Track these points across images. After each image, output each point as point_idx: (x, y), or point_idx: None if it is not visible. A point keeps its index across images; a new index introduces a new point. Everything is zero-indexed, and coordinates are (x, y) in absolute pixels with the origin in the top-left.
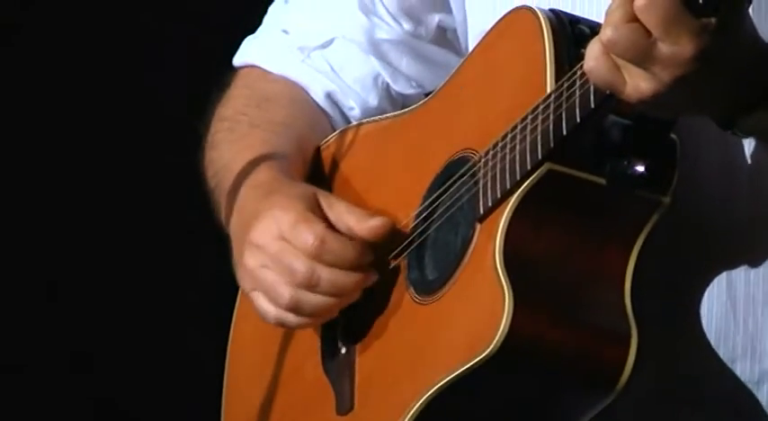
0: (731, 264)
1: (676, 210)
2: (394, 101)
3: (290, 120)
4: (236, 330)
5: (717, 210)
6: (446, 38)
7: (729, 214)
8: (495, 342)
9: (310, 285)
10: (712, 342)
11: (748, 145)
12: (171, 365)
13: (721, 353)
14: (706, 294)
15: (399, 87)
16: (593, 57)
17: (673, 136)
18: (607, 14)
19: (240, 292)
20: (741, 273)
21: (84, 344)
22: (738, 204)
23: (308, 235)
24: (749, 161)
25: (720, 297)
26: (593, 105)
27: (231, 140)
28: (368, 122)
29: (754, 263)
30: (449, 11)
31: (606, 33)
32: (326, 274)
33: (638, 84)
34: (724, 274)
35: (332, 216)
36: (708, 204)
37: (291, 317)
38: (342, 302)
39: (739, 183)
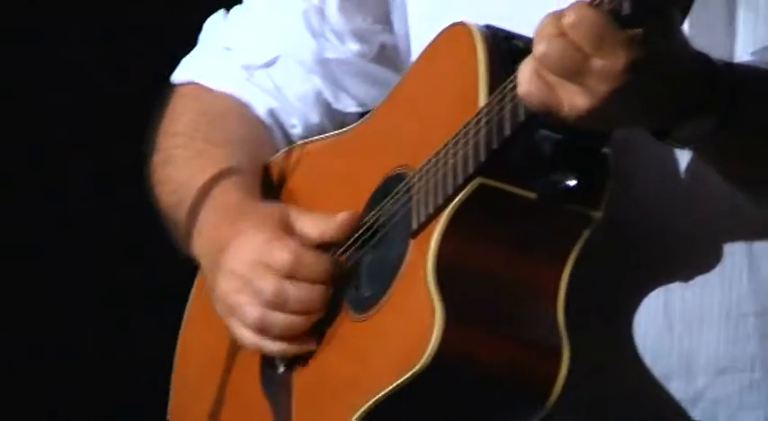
0: (668, 282)
1: (612, 226)
2: (334, 119)
3: (244, 136)
4: (181, 342)
5: (653, 227)
6: (385, 55)
7: (666, 232)
8: (426, 356)
9: (278, 304)
10: (648, 360)
11: (685, 161)
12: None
13: (656, 371)
14: (642, 312)
15: (341, 105)
16: (525, 80)
17: (606, 149)
18: (537, 30)
19: (189, 304)
20: (678, 291)
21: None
22: (675, 222)
23: (284, 253)
24: (686, 178)
25: (657, 315)
26: (522, 118)
27: (188, 157)
28: (312, 141)
29: (691, 281)
30: (392, 30)
31: (539, 48)
32: (294, 291)
33: (574, 101)
34: (661, 292)
35: (302, 227)
36: (644, 221)
37: (266, 343)
38: (309, 319)
39: (676, 200)
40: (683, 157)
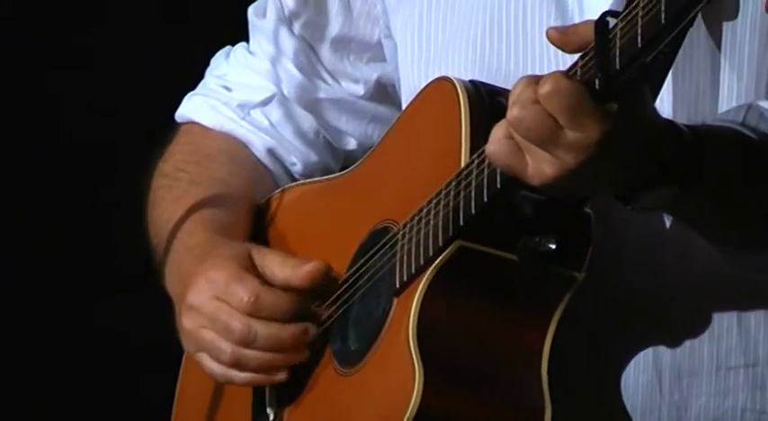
0: (657, 337)
1: (600, 283)
2: (336, 156)
3: (230, 176)
4: (180, 386)
5: (641, 283)
6: (387, 92)
7: (653, 288)
8: (405, 419)
9: (248, 341)
10: (638, 414)
11: (670, 219)
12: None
13: None
14: (632, 366)
15: (340, 144)
16: (496, 140)
17: (587, 210)
18: (513, 94)
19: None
20: (667, 347)
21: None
22: (662, 278)
23: (242, 292)
24: (671, 235)
25: (646, 369)
26: (499, 185)
27: (171, 199)
28: (305, 184)
29: (680, 334)
30: (387, 68)
31: (513, 112)
32: (263, 329)
33: (541, 167)
34: (650, 348)
35: (266, 270)
36: (632, 278)
37: (236, 374)
38: (286, 358)
39: (662, 257)
40: (670, 219)
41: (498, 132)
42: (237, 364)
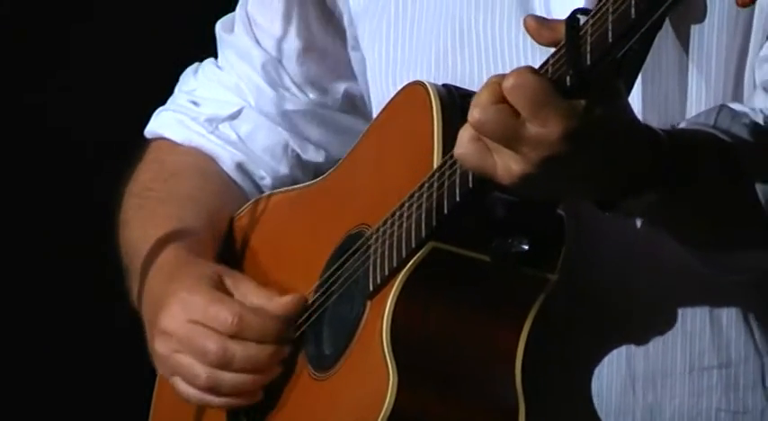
0: (630, 338)
1: (574, 285)
2: (305, 169)
3: (198, 192)
4: (155, 401)
5: (617, 287)
6: (355, 104)
7: (629, 291)
8: None
9: (224, 363)
10: (612, 417)
11: (648, 224)
12: None
13: None
14: (605, 369)
15: (309, 156)
16: (463, 143)
17: (560, 212)
18: (475, 96)
19: None
20: (640, 349)
21: None
22: (638, 281)
23: (226, 313)
24: (644, 236)
25: (620, 372)
26: (470, 185)
27: (140, 218)
28: (278, 193)
29: (654, 337)
30: (355, 79)
31: (474, 115)
32: (240, 351)
33: (508, 165)
34: (623, 349)
35: (238, 296)
36: (608, 281)
37: (212, 398)
38: (262, 378)
39: (639, 261)
40: (647, 223)
41: (465, 135)
42: (213, 388)
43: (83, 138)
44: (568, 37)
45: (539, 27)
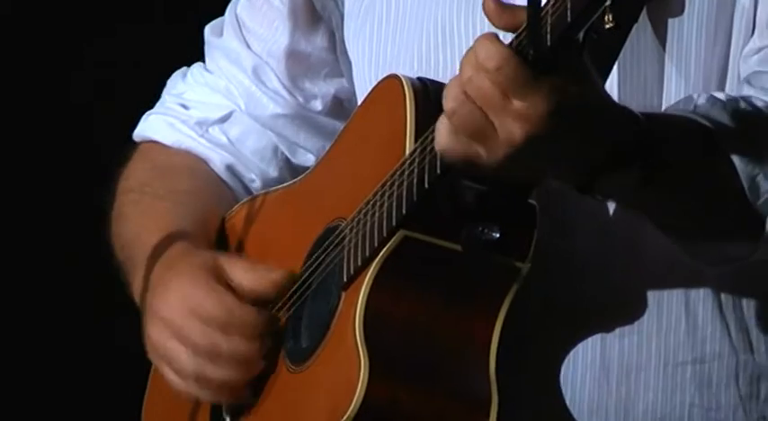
0: (605, 332)
1: (550, 279)
2: (295, 172)
3: (194, 189)
4: (148, 394)
5: (592, 280)
6: (344, 107)
7: (604, 284)
8: (350, 410)
9: (212, 356)
10: (585, 410)
11: (625, 217)
12: None
13: None
14: (579, 362)
15: (298, 159)
16: (444, 135)
17: (531, 201)
18: (445, 91)
19: None
20: (615, 342)
21: None
22: (613, 274)
23: (216, 306)
24: (625, 232)
25: (594, 365)
26: (439, 170)
27: (137, 213)
28: (268, 192)
29: (628, 331)
30: (343, 82)
31: (448, 104)
32: (227, 345)
33: (492, 148)
34: (597, 341)
35: (234, 277)
36: (583, 274)
37: (197, 390)
38: (246, 374)
39: (615, 254)
40: (624, 216)
41: (442, 127)
42: (200, 379)
43: (83, 140)
44: (530, 17)
45: (499, 11)
